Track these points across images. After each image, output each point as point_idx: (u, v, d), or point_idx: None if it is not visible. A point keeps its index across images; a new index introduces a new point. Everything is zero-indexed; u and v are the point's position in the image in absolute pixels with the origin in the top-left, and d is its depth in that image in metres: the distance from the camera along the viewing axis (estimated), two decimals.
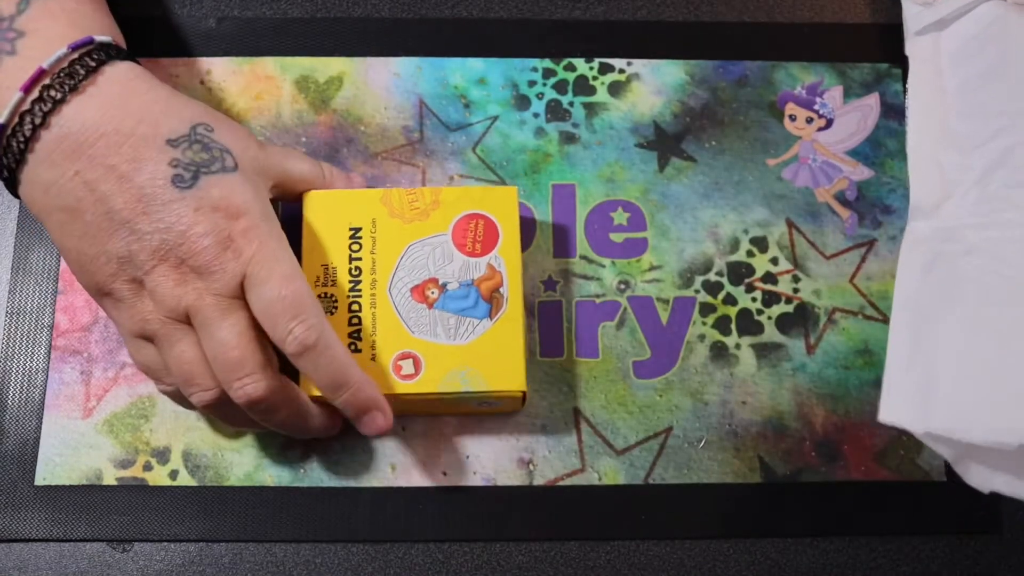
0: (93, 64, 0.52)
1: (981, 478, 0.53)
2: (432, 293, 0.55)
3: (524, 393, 0.54)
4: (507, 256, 0.56)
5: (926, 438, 0.52)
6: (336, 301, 0.54)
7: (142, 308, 0.51)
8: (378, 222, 0.55)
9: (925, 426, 0.51)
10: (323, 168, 0.58)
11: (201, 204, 0.50)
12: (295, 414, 0.52)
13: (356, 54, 0.65)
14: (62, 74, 0.51)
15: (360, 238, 0.55)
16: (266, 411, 0.51)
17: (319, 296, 0.54)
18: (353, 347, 0.54)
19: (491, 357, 0.54)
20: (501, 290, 0.55)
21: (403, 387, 0.53)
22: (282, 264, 0.51)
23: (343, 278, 0.54)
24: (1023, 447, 0.50)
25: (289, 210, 0.58)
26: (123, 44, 0.56)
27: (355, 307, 0.54)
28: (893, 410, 0.52)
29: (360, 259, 0.55)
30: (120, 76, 0.52)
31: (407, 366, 0.54)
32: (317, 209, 0.56)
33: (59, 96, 0.50)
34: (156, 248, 0.50)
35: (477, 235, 0.56)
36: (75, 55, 0.52)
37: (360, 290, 0.54)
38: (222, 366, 0.50)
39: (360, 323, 0.54)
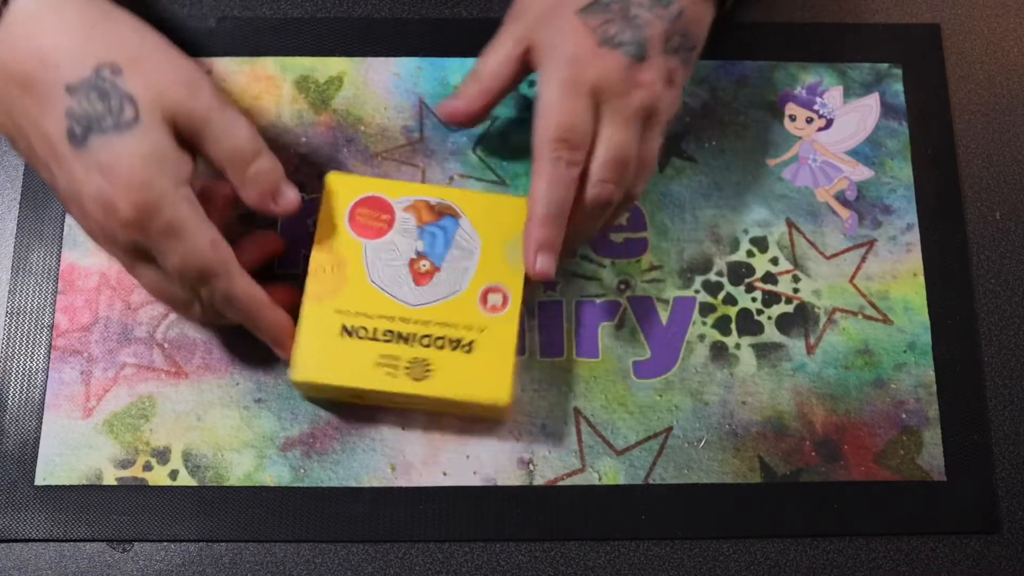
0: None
1: None
2: (423, 266, 0.56)
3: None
4: (368, 220, 0.57)
5: None
6: (428, 363, 0.55)
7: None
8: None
9: None
10: (256, 164, 0.53)
11: (89, 167, 0.50)
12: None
13: (356, 54, 0.65)
14: None
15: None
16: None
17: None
18: (467, 349, 0.55)
19: (495, 211, 0.57)
20: (429, 201, 0.57)
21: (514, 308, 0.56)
22: (184, 236, 0.50)
23: (376, 360, 0.55)
24: None
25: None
26: None
27: (428, 341, 0.55)
28: None
29: (363, 329, 0.55)
30: (29, 9, 0.51)
31: (495, 298, 0.56)
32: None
33: None
34: (65, 192, 0.52)
35: (369, 220, 0.57)
36: None
37: (392, 329, 0.55)
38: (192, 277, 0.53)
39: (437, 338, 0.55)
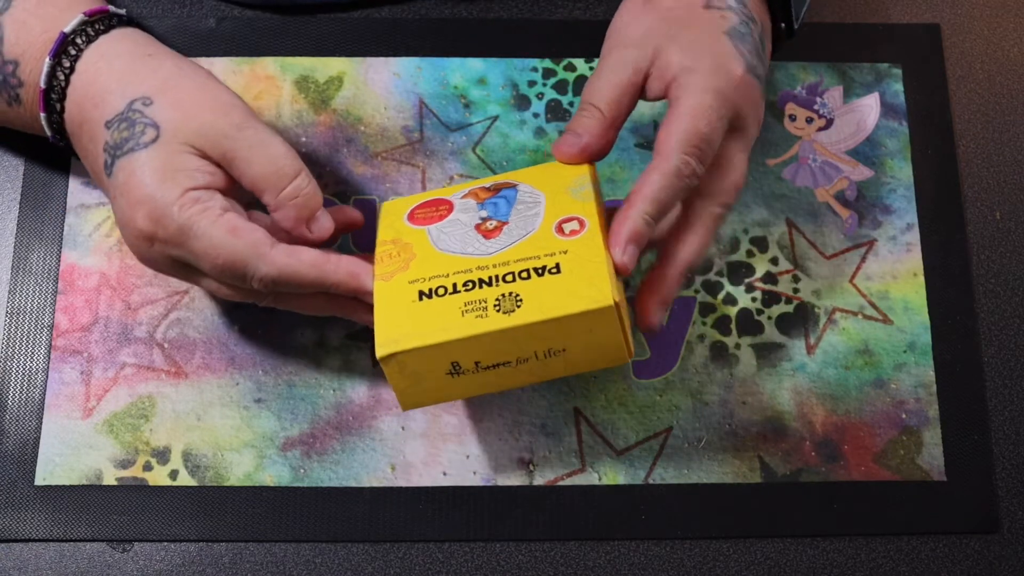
0: (67, 63, 0.54)
1: None
2: (490, 225, 0.53)
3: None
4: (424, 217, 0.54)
5: None
6: (517, 294, 0.49)
7: None
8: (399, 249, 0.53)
9: None
10: (294, 184, 0.52)
11: (116, 192, 0.52)
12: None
13: (356, 54, 0.65)
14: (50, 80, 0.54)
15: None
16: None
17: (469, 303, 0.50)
18: (555, 271, 0.50)
19: (549, 174, 0.54)
20: (484, 186, 0.55)
21: (594, 230, 0.51)
22: (197, 234, 0.50)
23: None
24: None
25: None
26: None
27: (511, 277, 0.50)
28: None
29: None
30: (89, 63, 0.54)
31: (571, 225, 0.51)
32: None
33: (56, 100, 0.54)
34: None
35: (428, 213, 0.54)
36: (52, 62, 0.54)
37: (471, 279, 0.50)
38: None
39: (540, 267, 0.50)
